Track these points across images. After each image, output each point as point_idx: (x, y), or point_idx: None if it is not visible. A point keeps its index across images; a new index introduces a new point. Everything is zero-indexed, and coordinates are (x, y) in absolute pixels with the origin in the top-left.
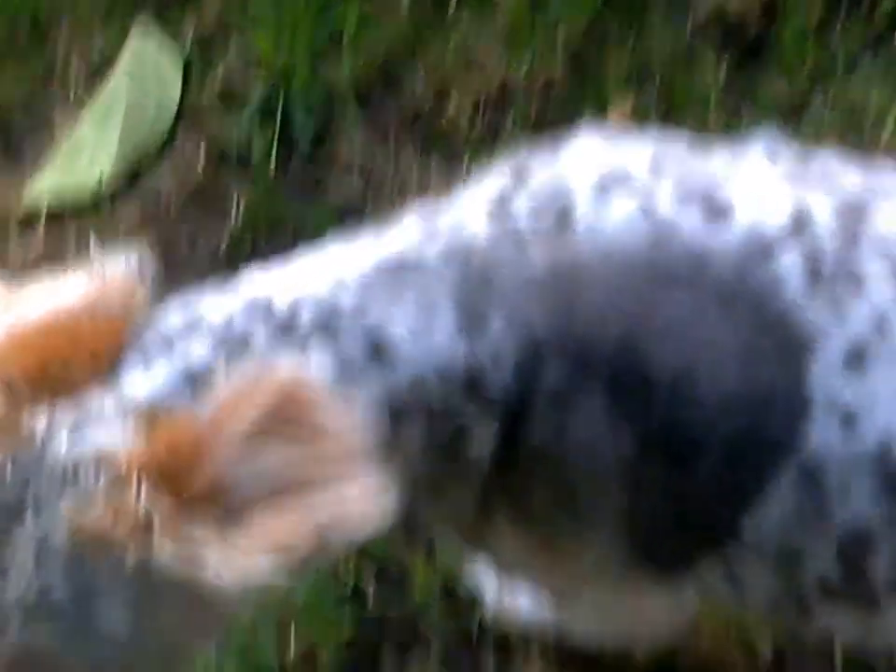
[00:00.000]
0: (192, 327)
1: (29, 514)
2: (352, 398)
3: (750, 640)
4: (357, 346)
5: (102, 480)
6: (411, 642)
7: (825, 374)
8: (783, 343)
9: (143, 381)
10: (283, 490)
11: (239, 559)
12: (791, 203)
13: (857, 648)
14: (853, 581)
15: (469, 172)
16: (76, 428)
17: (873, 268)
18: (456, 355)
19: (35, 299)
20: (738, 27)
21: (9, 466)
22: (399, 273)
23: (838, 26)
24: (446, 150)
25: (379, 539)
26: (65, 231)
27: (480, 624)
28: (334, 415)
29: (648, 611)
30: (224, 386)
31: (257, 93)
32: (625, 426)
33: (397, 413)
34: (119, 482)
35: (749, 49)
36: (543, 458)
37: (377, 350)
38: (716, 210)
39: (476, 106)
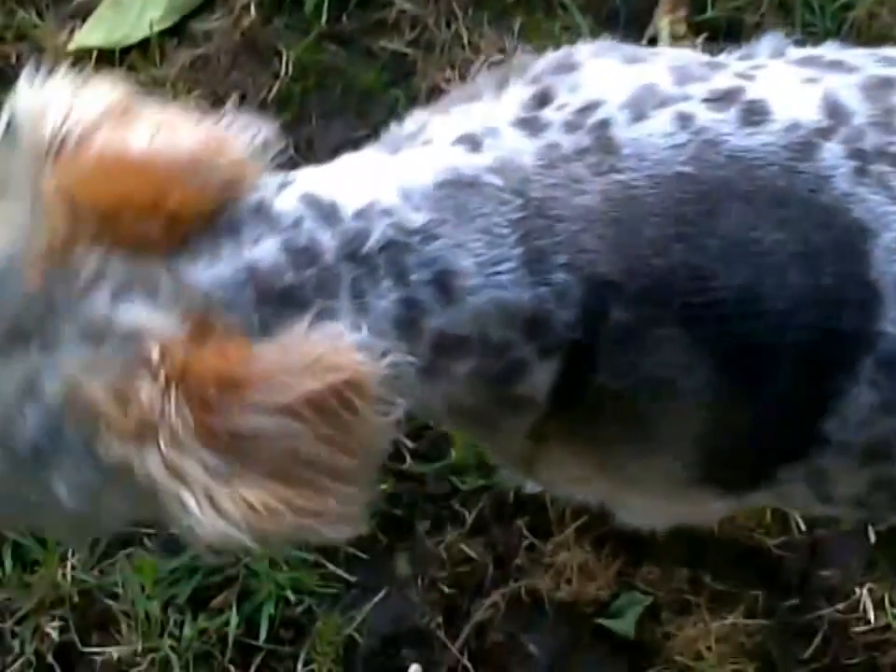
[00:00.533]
0: (260, 214)
1: (35, 346)
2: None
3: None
4: (424, 283)
5: (127, 357)
6: (448, 499)
7: (889, 257)
8: (841, 235)
9: (206, 268)
10: (295, 462)
11: (220, 508)
12: (819, 94)
13: None
14: None
15: (519, 33)
16: (122, 292)
17: None
18: (522, 291)
19: (148, 126)
20: None
21: (42, 293)
22: (460, 191)
23: None
24: (498, 7)
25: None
26: (114, 75)
27: (516, 493)
28: (378, 414)
29: (710, 514)
30: (289, 340)
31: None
32: (701, 352)
33: (451, 344)
34: (143, 368)
35: None
36: (615, 394)
37: (444, 286)
38: (751, 111)
39: None
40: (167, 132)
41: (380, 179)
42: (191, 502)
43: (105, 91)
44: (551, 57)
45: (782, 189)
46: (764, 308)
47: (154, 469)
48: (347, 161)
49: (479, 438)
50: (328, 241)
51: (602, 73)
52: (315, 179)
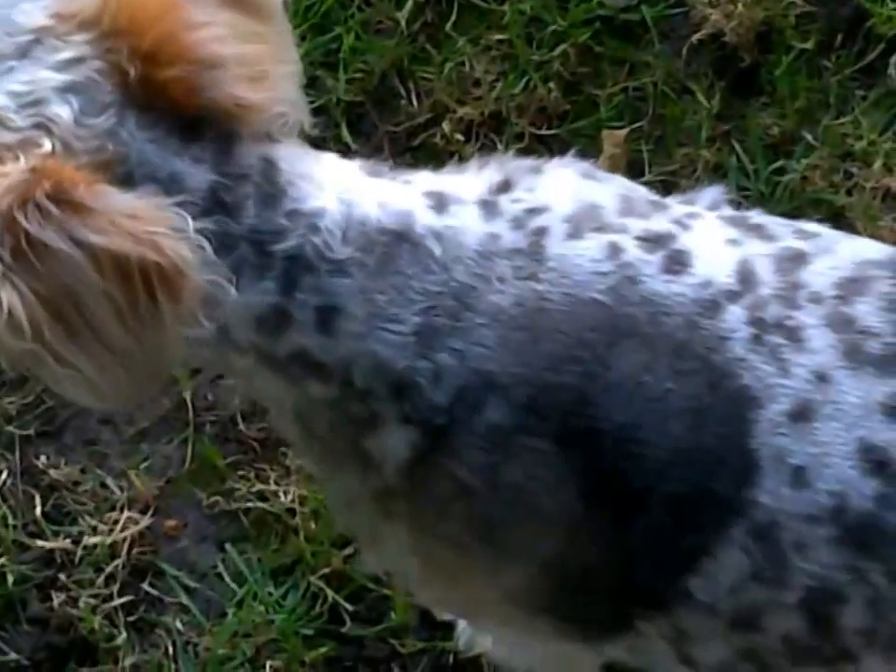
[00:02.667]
0: (223, 144)
1: None
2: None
3: None
4: (308, 305)
5: (26, 136)
6: (388, 663)
7: (771, 430)
8: (729, 399)
9: (143, 136)
10: (72, 303)
11: None
12: (737, 258)
13: None
14: (823, 635)
15: None
16: (71, 88)
17: (811, 321)
18: (401, 357)
19: (230, 22)
20: (732, 55)
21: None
22: (399, 244)
23: (832, 58)
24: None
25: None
26: None
27: (456, 655)
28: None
29: (562, 653)
30: (143, 203)
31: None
32: (569, 474)
33: (311, 363)
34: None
35: (742, 78)
36: (467, 489)
37: (325, 319)
38: (675, 260)
39: (470, 126)
40: (235, 33)
41: (339, 195)
42: None
43: None
44: (528, 161)
45: (682, 340)
46: (642, 452)
47: None
48: (329, 160)
49: (323, 478)
50: (248, 215)
51: (558, 181)
52: (291, 157)
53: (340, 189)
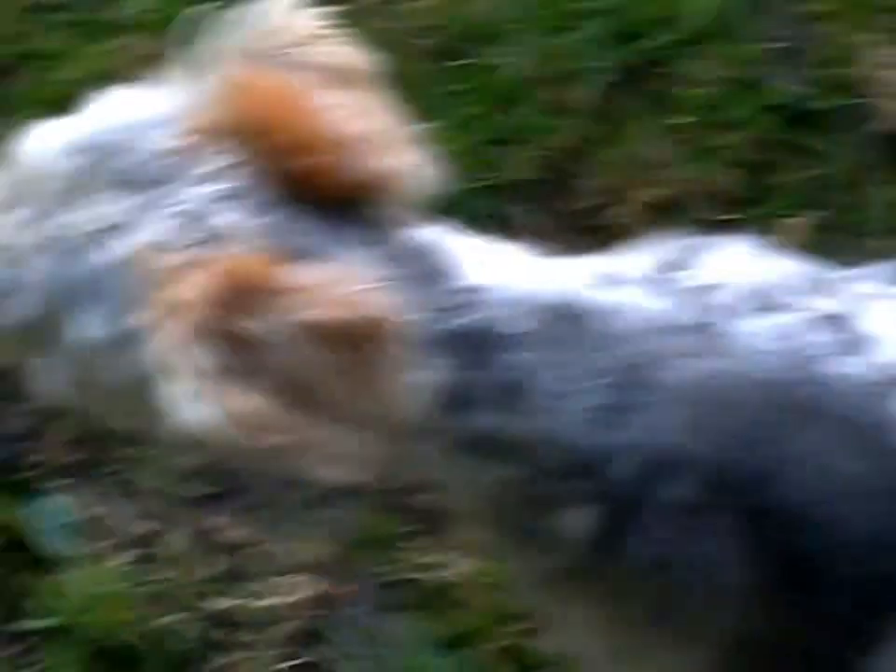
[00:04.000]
0: (385, 232)
1: (137, 201)
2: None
3: None
4: (492, 382)
5: (201, 251)
6: None
7: None
8: None
9: (305, 234)
10: (298, 385)
11: (210, 400)
12: None
13: None
14: None
15: None
16: (232, 197)
17: None
18: (587, 434)
19: (345, 95)
20: None
21: (169, 160)
22: (568, 317)
23: None
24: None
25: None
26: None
27: None
28: (400, 370)
29: None
30: (330, 270)
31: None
32: (751, 551)
33: (498, 447)
34: (206, 265)
35: None
36: (653, 564)
37: (513, 396)
38: (852, 340)
39: (646, 209)
40: (356, 109)
41: (502, 273)
42: (180, 388)
43: (341, 51)
44: (697, 239)
45: (865, 422)
46: (828, 533)
47: (155, 346)
48: (484, 245)
49: (503, 555)
50: (418, 294)
51: (729, 259)
52: (449, 239)
53: (502, 267)
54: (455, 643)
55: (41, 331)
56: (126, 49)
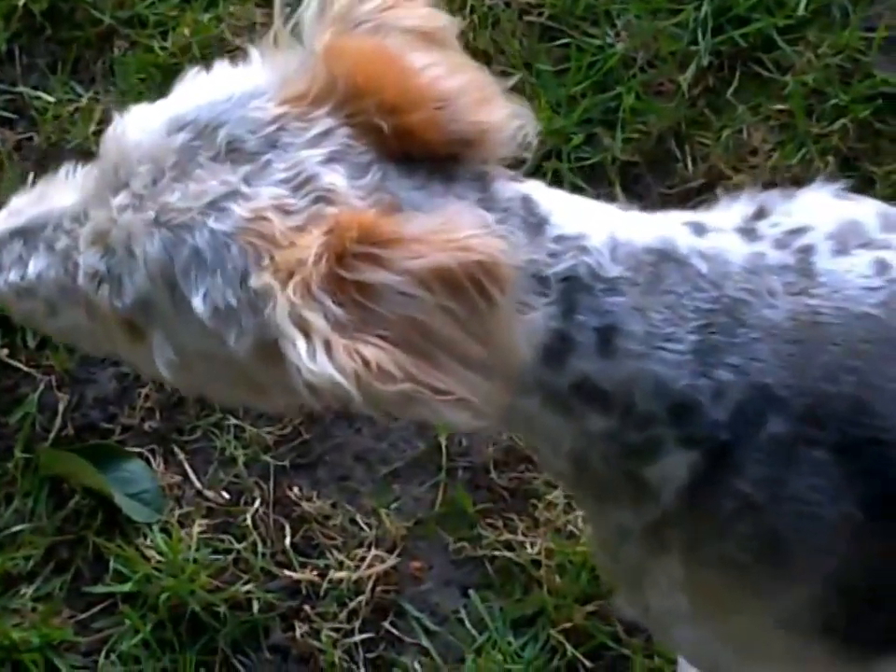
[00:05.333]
0: (477, 183)
1: (244, 170)
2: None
3: None
4: (588, 327)
5: (313, 211)
6: None
7: None
8: None
9: (409, 189)
10: (418, 332)
11: (333, 355)
12: None
13: None
14: None
15: None
16: (336, 158)
17: None
18: (681, 375)
19: (434, 55)
20: None
21: (273, 127)
22: (664, 262)
23: None
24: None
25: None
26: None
27: None
28: (512, 311)
29: None
30: (438, 217)
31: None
32: (852, 485)
33: (592, 393)
34: (321, 223)
35: None
36: (751, 505)
37: (606, 339)
38: None
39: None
40: (448, 67)
41: (597, 221)
42: (303, 345)
43: (424, 13)
44: (778, 189)
45: None
46: None
47: (280, 310)
48: (576, 198)
49: (594, 518)
50: (520, 244)
51: (814, 203)
52: (544, 192)
53: (595, 216)
54: (527, 622)
55: (157, 309)
56: (229, 17)
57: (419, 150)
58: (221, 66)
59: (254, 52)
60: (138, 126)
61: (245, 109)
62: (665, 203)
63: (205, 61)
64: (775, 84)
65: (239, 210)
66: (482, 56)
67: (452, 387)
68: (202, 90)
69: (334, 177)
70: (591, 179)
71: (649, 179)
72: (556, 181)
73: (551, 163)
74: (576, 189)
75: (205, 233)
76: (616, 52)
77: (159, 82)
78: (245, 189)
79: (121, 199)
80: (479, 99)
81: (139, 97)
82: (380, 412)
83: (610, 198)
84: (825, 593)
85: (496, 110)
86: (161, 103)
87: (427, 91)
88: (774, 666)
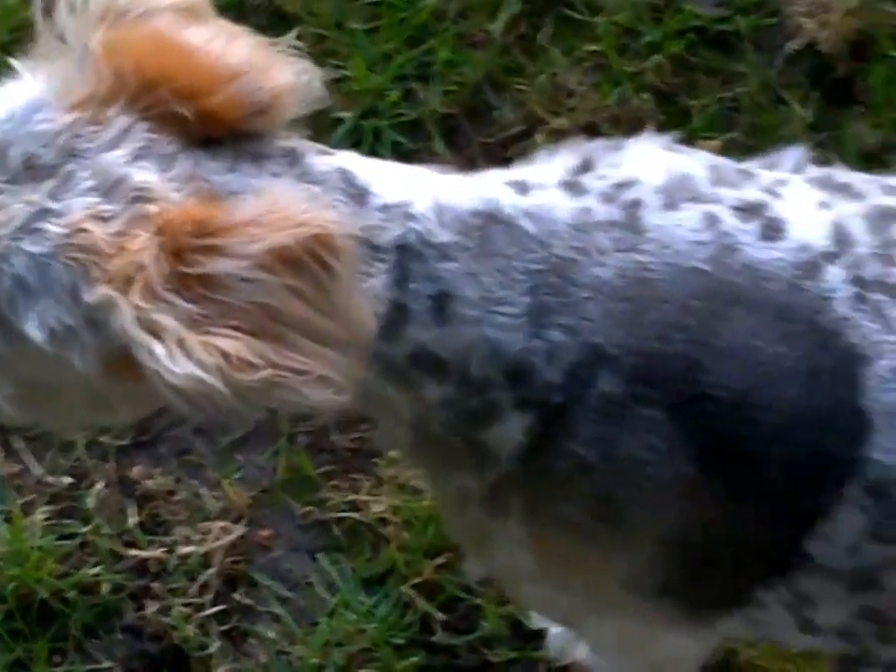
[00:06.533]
0: (289, 158)
1: (48, 186)
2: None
3: None
4: (423, 295)
5: (131, 213)
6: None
7: (881, 386)
8: (837, 359)
9: (222, 173)
10: (269, 316)
11: (191, 354)
12: (829, 220)
13: None
14: None
15: None
16: (141, 155)
17: None
18: (515, 338)
19: (208, 28)
20: (827, 65)
21: (68, 136)
22: (492, 224)
23: None
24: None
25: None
26: None
27: (549, 664)
28: (355, 281)
29: (668, 650)
30: (266, 198)
31: (348, 117)
32: (684, 443)
33: (429, 362)
34: (143, 223)
35: (837, 87)
36: (585, 465)
37: (441, 306)
38: (770, 227)
39: (563, 137)
40: (224, 38)
41: (419, 187)
42: (160, 349)
43: None
44: (604, 140)
45: (786, 304)
46: (755, 416)
47: (126, 318)
48: (392, 164)
49: (436, 483)
50: (348, 213)
51: (643, 155)
52: (357, 162)
53: (418, 182)
54: (378, 581)
55: None
56: None
57: (222, 131)
58: None
59: (19, 65)
60: None
61: (31, 124)
62: (486, 152)
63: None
64: (587, 26)
65: (53, 228)
66: (293, 20)
67: (311, 367)
68: None
69: (145, 175)
70: (411, 134)
71: (469, 130)
72: (377, 139)
73: (370, 122)
74: (397, 145)
75: (23, 259)
76: (427, 6)
77: None
78: (53, 205)
79: None
80: (265, 64)
81: None
82: (248, 405)
83: (431, 152)
84: (662, 551)
85: (283, 70)
86: None
87: (217, 69)
88: (619, 622)
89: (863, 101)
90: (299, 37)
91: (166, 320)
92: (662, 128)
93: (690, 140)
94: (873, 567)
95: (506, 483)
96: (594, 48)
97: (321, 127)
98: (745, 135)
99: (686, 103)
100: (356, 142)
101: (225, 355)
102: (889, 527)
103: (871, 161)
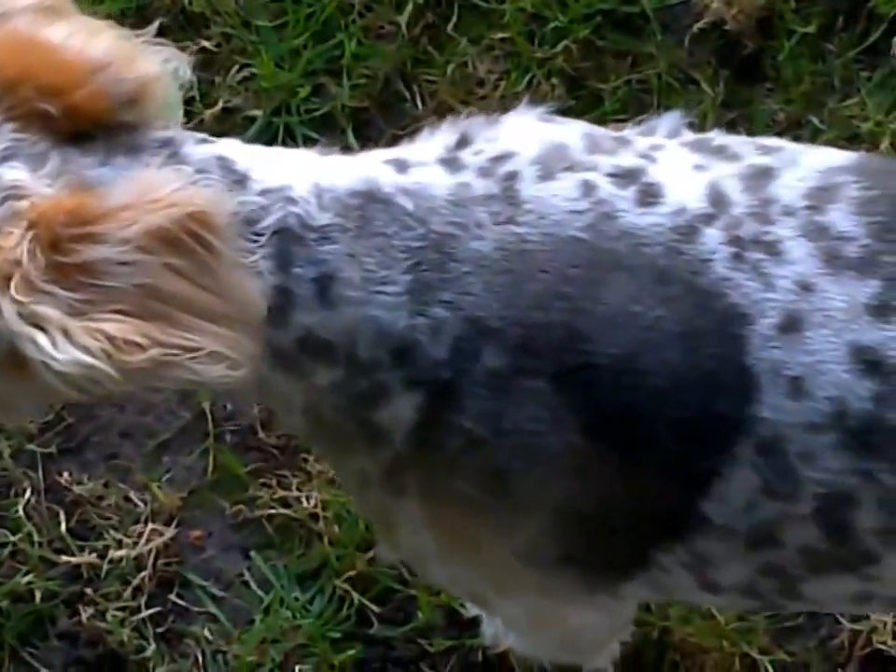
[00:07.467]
0: (166, 148)
1: None
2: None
3: None
4: (306, 279)
5: (3, 212)
6: (417, 662)
7: (764, 344)
8: (719, 319)
9: (95, 167)
10: (152, 296)
11: (76, 341)
12: (705, 182)
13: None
14: (841, 540)
15: None
16: (9, 155)
17: (787, 233)
18: (399, 317)
19: (68, 25)
20: (735, 43)
21: None
22: (370, 204)
23: (835, 40)
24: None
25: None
26: None
27: (485, 652)
28: (238, 259)
29: (578, 625)
30: (137, 182)
31: (259, 115)
32: (570, 412)
33: (317, 346)
34: (15, 221)
35: (746, 64)
36: (474, 440)
37: (324, 288)
38: (647, 192)
39: None
40: (85, 33)
41: (299, 171)
42: (43, 339)
43: None
44: (482, 116)
45: (665, 268)
46: (641, 381)
47: (7, 314)
48: (274, 150)
49: (337, 469)
50: (220, 193)
51: (518, 127)
52: (238, 149)
53: (295, 165)
54: (311, 576)
55: None
56: None
57: (91, 125)
58: None
59: None
60: None
61: None
62: (398, 144)
63: None
64: (494, 13)
65: None
66: (199, 19)
67: (199, 343)
68: None
69: (15, 173)
70: (322, 130)
71: (380, 122)
72: (288, 135)
73: (280, 118)
74: (308, 140)
75: None
76: (333, 0)
77: None
78: None
79: None
80: (128, 55)
81: None
82: (141, 386)
83: (344, 146)
84: (557, 522)
85: (148, 60)
86: None
87: (80, 64)
88: (525, 597)
89: (772, 77)
90: (206, 37)
91: (48, 311)
92: (573, 112)
93: (602, 123)
94: (770, 523)
95: (401, 463)
96: (502, 35)
97: (233, 126)
98: (657, 116)
99: (596, 86)
100: (268, 140)
101: (110, 338)
102: (781, 483)
103: (782, 137)
